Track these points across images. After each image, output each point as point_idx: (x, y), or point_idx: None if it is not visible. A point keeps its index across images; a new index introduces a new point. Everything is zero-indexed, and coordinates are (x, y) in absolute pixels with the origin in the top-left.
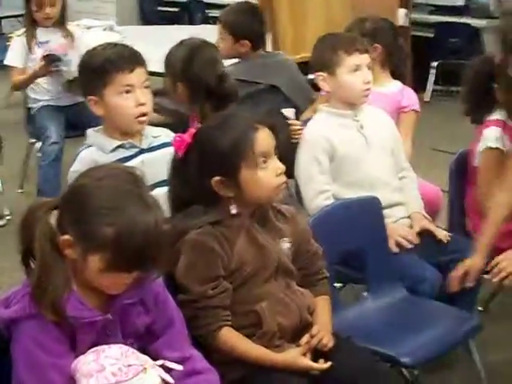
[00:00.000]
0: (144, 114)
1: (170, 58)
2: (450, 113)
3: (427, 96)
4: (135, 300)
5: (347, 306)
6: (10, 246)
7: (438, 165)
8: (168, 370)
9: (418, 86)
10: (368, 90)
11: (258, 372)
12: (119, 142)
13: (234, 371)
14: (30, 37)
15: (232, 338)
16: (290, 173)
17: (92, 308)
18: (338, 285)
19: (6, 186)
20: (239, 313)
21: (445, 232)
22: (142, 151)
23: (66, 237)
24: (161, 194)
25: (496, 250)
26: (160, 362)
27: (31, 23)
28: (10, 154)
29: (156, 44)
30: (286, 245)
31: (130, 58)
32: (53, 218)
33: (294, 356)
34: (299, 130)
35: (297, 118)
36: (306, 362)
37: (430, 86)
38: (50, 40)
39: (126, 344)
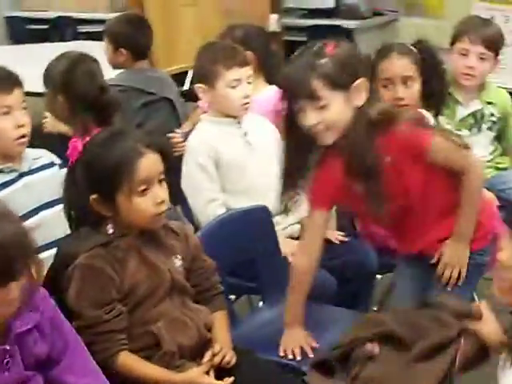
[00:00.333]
0: (23, 136)
1: (50, 71)
2: None
3: None
4: (30, 326)
5: (244, 318)
6: None
7: None
8: None
9: None
10: (247, 103)
11: None
12: None
13: None
14: None
15: (130, 361)
16: None
17: None
18: (232, 297)
19: None
20: (136, 335)
21: (336, 232)
22: (22, 175)
23: None
24: (49, 214)
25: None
26: None
27: None
28: None
29: (28, 63)
30: (178, 262)
31: (8, 79)
32: None
33: (196, 375)
34: (181, 142)
35: None
36: (209, 380)
37: None
38: None
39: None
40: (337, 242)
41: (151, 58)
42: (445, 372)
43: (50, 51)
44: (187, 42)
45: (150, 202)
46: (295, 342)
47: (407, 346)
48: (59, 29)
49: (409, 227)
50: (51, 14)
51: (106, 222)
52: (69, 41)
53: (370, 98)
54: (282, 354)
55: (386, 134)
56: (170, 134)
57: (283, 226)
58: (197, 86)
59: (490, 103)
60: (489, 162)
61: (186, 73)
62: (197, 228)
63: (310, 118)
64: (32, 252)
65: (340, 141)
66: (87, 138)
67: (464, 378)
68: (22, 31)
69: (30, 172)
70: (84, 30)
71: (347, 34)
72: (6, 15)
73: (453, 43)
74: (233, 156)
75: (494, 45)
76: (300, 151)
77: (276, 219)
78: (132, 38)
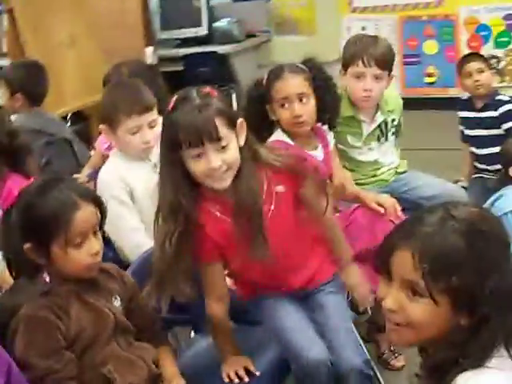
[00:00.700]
0: None
1: None
2: None
3: None
4: None
5: (181, 351)
6: None
7: None
8: None
9: None
10: (148, 147)
11: None
12: None
13: None
14: None
15: None
16: None
17: None
18: None
19: None
20: (88, 379)
21: None
22: None
23: None
24: None
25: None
26: None
27: None
28: None
29: None
30: (117, 303)
31: None
32: None
33: None
34: (86, 183)
35: None
36: None
37: None
38: None
39: None
40: None
41: None
42: None
43: None
44: (71, 84)
45: (85, 253)
46: (237, 366)
47: None
48: None
49: (289, 263)
50: None
51: (42, 271)
52: None
53: (249, 137)
54: (226, 380)
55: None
56: (75, 176)
57: None
58: (100, 126)
59: (390, 111)
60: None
61: (74, 114)
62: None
63: (215, 160)
64: None
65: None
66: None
67: None
68: None
69: None
70: None
71: (223, 58)
72: None
73: (346, 67)
74: (145, 188)
75: (387, 63)
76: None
77: None
78: (28, 84)
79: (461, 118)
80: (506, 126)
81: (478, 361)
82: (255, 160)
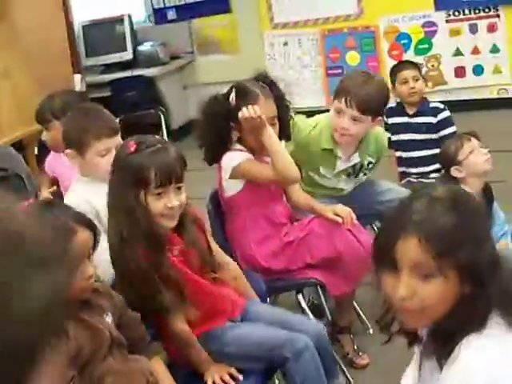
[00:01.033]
0: None
1: None
2: None
3: None
4: None
5: None
6: None
7: None
8: None
9: None
10: None
11: None
12: None
13: None
14: None
15: None
16: None
17: None
18: None
19: None
20: None
21: None
22: None
23: None
24: None
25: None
26: None
27: None
28: None
29: None
30: (109, 319)
31: None
32: None
33: None
34: None
35: None
36: None
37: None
38: None
39: None
40: None
41: None
42: None
43: None
44: (7, 115)
45: (80, 277)
46: (221, 372)
47: None
48: None
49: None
50: None
51: None
52: None
53: None
54: None
55: None
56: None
57: None
58: (66, 151)
59: (369, 154)
60: None
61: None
62: None
63: (174, 199)
64: None
65: None
66: None
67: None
68: None
69: None
70: None
71: (149, 81)
72: None
73: (334, 98)
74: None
75: (370, 107)
76: None
77: None
78: None
79: (389, 124)
80: (443, 132)
81: (479, 324)
82: None
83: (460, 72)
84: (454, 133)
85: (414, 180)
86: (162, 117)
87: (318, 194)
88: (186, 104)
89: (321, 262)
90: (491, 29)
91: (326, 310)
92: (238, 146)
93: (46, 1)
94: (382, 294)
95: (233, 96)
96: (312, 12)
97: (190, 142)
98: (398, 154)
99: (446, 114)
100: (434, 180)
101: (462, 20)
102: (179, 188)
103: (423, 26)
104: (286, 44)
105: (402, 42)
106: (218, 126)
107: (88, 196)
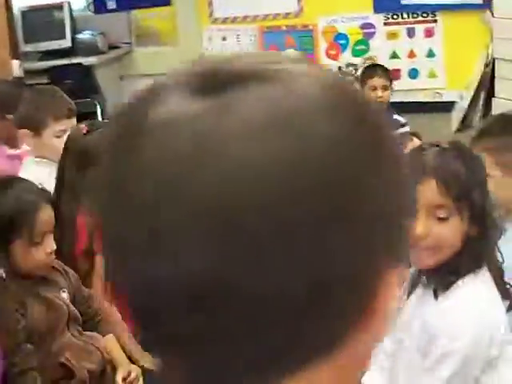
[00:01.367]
0: None
1: None
2: None
3: None
4: None
5: None
6: None
7: None
8: None
9: None
10: None
11: None
12: None
13: None
14: None
15: None
16: None
17: None
18: None
19: None
20: (48, 369)
21: None
22: None
23: None
24: None
25: None
26: None
27: None
28: None
29: None
30: (65, 295)
31: None
32: None
33: None
34: None
35: None
36: None
37: None
38: None
39: None
40: None
41: None
42: None
43: None
44: None
45: (43, 251)
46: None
47: None
48: None
49: None
50: None
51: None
52: None
53: None
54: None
55: None
56: None
57: None
58: (21, 131)
59: None
60: None
61: None
62: None
63: None
64: None
65: None
66: None
67: None
68: None
69: None
70: None
71: (87, 70)
72: None
73: None
74: None
75: None
76: None
77: None
78: None
79: None
80: None
81: (478, 265)
82: None
83: (396, 74)
84: None
85: None
86: (97, 106)
87: None
88: (122, 94)
89: None
90: (428, 34)
91: None
92: None
93: None
94: None
95: None
96: (252, 8)
97: None
98: None
99: (405, 130)
100: None
101: (399, 23)
102: None
103: (361, 27)
104: (224, 39)
105: (340, 42)
106: None
107: (42, 178)
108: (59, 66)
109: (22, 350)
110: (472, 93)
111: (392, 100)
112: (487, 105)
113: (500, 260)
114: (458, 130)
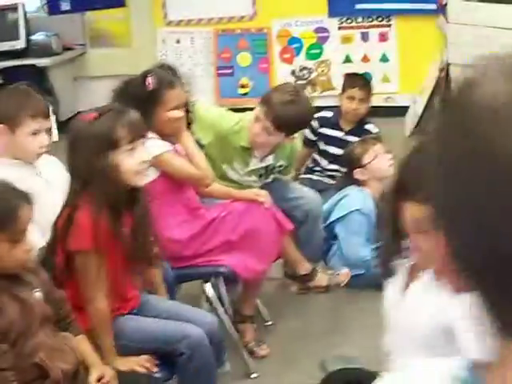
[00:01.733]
0: None
1: None
2: None
3: None
4: None
5: None
6: None
7: None
8: None
9: None
10: (42, 152)
11: None
12: None
13: None
14: None
15: None
16: None
17: None
18: None
19: None
20: (22, 369)
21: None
22: None
23: None
24: None
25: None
26: None
27: None
28: None
29: None
30: (38, 295)
31: None
32: None
33: None
34: None
35: None
36: None
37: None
38: None
39: None
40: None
41: None
42: None
43: None
44: None
45: (22, 249)
46: (139, 361)
47: None
48: None
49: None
50: None
51: None
52: None
53: None
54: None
55: None
56: None
57: None
58: None
59: (282, 158)
60: None
61: None
62: None
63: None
64: None
65: None
66: None
67: None
68: None
69: None
70: None
71: (41, 71)
72: None
73: (260, 102)
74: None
75: (286, 128)
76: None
77: None
78: None
79: (320, 133)
80: None
81: None
82: None
83: None
84: None
85: (315, 178)
86: (50, 108)
87: None
88: (76, 96)
89: (239, 239)
90: (382, 38)
91: (226, 299)
92: (152, 135)
93: None
94: None
95: (150, 81)
96: (206, 11)
97: None
98: (315, 156)
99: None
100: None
101: (353, 28)
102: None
103: (315, 31)
104: (178, 41)
105: (294, 45)
106: (136, 108)
107: (12, 179)
108: (13, 66)
109: None
110: (426, 97)
111: None
112: None
113: None
114: (412, 135)
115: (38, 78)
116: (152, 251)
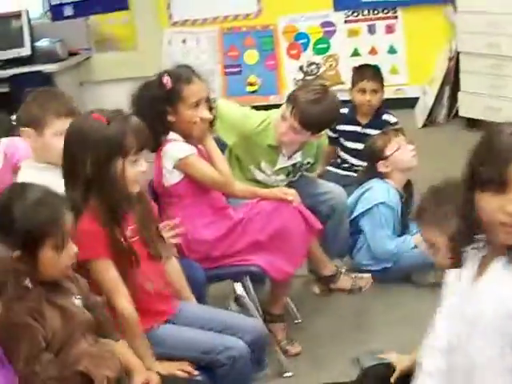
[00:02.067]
0: None
1: None
2: None
3: None
4: None
5: None
6: None
7: None
8: None
9: None
10: None
11: None
12: None
13: None
14: None
15: None
16: None
17: None
18: None
19: None
20: (67, 378)
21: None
22: None
23: None
24: None
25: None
26: None
27: None
28: None
29: None
30: (77, 301)
31: None
32: None
33: None
34: None
35: None
36: None
37: None
38: None
39: None
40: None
41: None
42: None
43: None
44: None
45: (67, 254)
46: (178, 365)
47: None
48: None
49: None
50: None
51: (23, 277)
52: None
53: None
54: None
55: None
56: None
57: None
58: (23, 129)
59: (309, 155)
60: None
61: None
62: None
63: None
64: None
65: None
66: None
67: None
68: None
69: None
70: None
71: (47, 78)
72: None
73: (286, 100)
74: None
75: (313, 127)
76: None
77: None
78: None
79: (339, 131)
80: None
81: None
82: None
83: None
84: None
85: (342, 172)
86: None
87: None
88: (82, 101)
89: (268, 239)
90: (389, 30)
91: (256, 300)
92: (174, 135)
93: None
94: None
95: (167, 79)
96: (211, 10)
97: None
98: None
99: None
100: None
101: (360, 21)
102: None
103: (322, 25)
104: (184, 42)
105: (301, 41)
106: (158, 111)
107: (40, 181)
108: (20, 74)
109: (43, 359)
110: (436, 88)
111: None
112: (453, 99)
113: None
114: (424, 126)
115: (45, 84)
116: (161, 243)
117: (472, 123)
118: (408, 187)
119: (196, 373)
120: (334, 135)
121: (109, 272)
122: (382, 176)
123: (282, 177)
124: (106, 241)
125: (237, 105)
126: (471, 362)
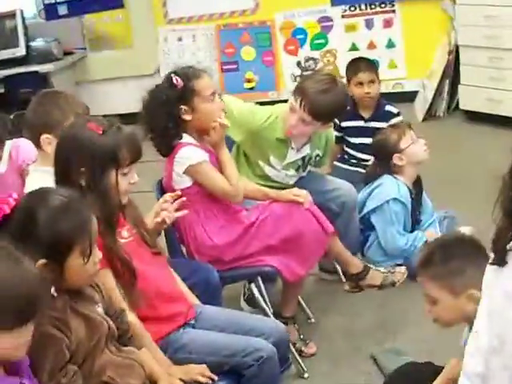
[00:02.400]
0: None
1: None
2: None
3: None
4: None
5: None
6: None
7: None
8: None
9: None
10: None
11: None
12: None
13: None
14: None
15: None
16: None
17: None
18: None
19: None
20: None
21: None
22: None
23: None
24: None
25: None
26: None
27: None
28: None
29: None
30: (100, 310)
31: None
32: None
33: None
34: None
35: None
36: None
37: None
38: None
39: None
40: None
41: None
42: None
43: None
44: None
45: (92, 262)
46: (189, 374)
47: None
48: None
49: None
50: None
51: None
52: None
53: None
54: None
55: None
56: None
57: None
58: (44, 136)
59: (318, 147)
60: None
61: None
62: None
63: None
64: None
65: None
66: None
67: None
68: None
69: None
70: None
71: (43, 78)
72: None
73: (293, 92)
74: None
75: (323, 117)
76: None
77: None
78: None
79: (343, 127)
80: None
81: None
82: None
83: None
84: None
85: (351, 168)
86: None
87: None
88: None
89: (281, 243)
90: (387, 24)
91: (268, 300)
92: (187, 138)
93: None
94: None
95: (177, 78)
96: (207, 7)
97: None
98: (348, 150)
99: (398, 119)
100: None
101: (357, 15)
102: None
103: (319, 21)
104: (180, 39)
105: (298, 37)
106: (172, 113)
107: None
108: (15, 74)
109: (68, 370)
110: (436, 81)
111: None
112: (452, 92)
113: None
114: (424, 120)
115: (41, 84)
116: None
117: (472, 116)
118: (418, 182)
119: (216, 378)
120: (339, 134)
121: (105, 281)
122: (391, 172)
123: (291, 172)
124: (101, 250)
125: (241, 101)
126: None
